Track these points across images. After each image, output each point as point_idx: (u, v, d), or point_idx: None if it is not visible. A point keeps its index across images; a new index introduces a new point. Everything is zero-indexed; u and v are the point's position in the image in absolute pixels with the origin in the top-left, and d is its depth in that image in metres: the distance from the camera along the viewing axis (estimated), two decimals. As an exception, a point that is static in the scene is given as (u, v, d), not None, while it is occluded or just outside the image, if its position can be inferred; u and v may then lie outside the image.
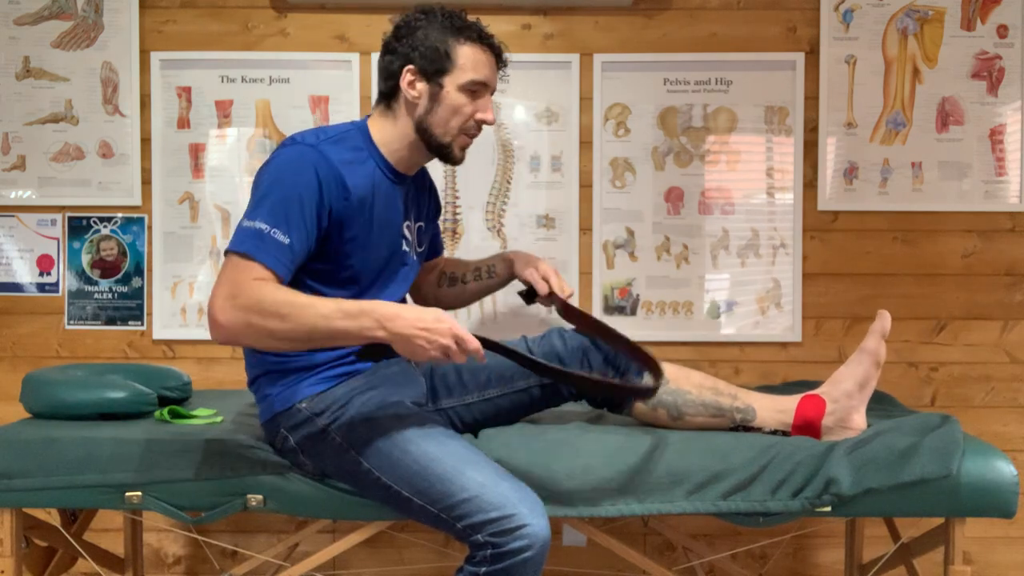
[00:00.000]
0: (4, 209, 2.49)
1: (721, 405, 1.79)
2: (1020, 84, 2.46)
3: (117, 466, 1.74)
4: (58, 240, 2.50)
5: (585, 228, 2.49)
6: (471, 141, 1.78)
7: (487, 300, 2.43)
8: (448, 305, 2.06)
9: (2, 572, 1.78)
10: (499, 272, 2.01)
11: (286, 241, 1.56)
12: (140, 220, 2.50)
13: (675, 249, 2.49)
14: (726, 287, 2.49)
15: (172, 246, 2.49)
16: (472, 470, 1.57)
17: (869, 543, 2.31)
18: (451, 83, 1.70)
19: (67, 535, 1.99)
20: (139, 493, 1.74)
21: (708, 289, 2.49)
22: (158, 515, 2.25)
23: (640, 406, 1.81)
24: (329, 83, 2.48)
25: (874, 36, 2.46)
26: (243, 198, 2.47)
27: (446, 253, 2.26)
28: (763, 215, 2.48)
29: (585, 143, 2.48)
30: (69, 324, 2.50)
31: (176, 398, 2.09)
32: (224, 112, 2.48)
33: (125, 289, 2.50)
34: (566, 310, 1.90)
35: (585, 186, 2.49)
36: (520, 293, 2.00)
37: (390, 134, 1.75)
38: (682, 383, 1.80)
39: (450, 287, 2.05)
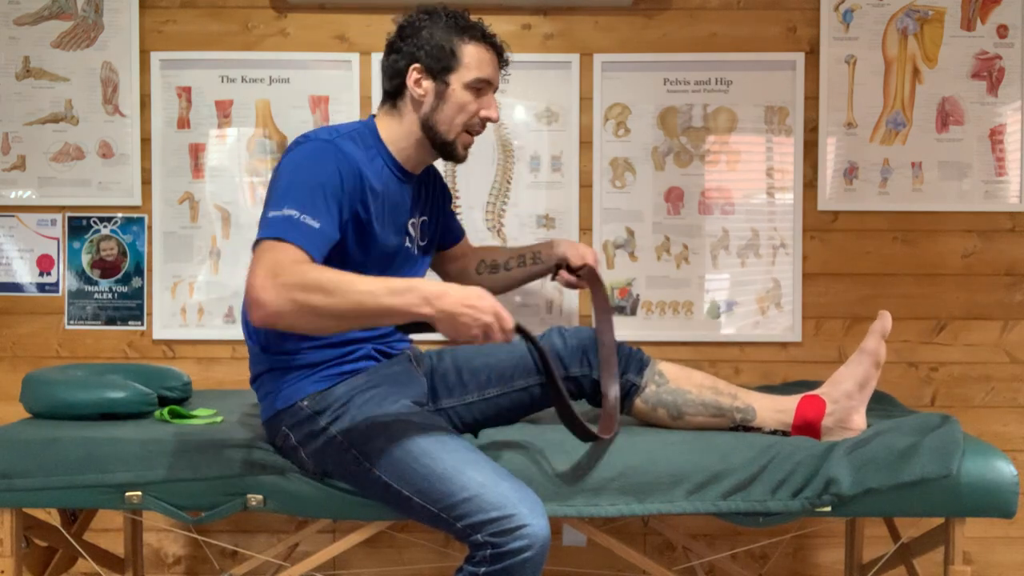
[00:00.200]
0: (4, 209, 2.49)
1: (721, 405, 1.80)
2: (1020, 84, 2.46)
3: (117, 466, 1.74)
4: (58, 240, 2.50)
5: (585, 228, 2.49)
6: (473, 139, 1.81)
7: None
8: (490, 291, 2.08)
9: (2, 572, 1.77)
10: (544, 258, 2.05)
11: (317, 225, 1.55)
12: (140, 220, 2.49)
13: (675, 249, 2.49)
14: (726, 287, 2.49)
15: (172, 246, 2.49)
16: (472, 470, 1.57)
17: (869, 543, 2.31)
18: (457, 81, 1.74)
19: (67, 535, 1.99)
20: (139, 493, 1.74)
21: (708, 289, 2.49)
22: (158, 515, 2.26)
23: (640, 405, 1.81)
24: (329, 83, 2.48)
25: (874, 36, 2.46)
26: (243, 198, 2.47)
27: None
28: (763, 215, 2.48)
29: (585, 143, 2.48)
30: (69, 324, 2.50)
31: (176, 398, 2.09)
32: (224, 112, 2.48)
33: (125, 289, 2.50)
34: (591, 277, 1.98)
35: (585, 186, 2.49)
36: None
37: (396, 132, 1.77)
38: (682, 383, 1.81)
39: (491, 274, 2.08)
